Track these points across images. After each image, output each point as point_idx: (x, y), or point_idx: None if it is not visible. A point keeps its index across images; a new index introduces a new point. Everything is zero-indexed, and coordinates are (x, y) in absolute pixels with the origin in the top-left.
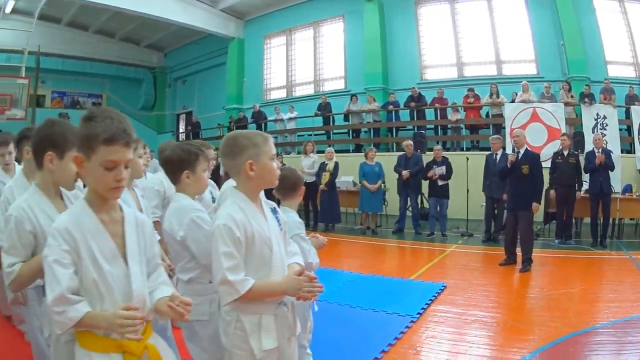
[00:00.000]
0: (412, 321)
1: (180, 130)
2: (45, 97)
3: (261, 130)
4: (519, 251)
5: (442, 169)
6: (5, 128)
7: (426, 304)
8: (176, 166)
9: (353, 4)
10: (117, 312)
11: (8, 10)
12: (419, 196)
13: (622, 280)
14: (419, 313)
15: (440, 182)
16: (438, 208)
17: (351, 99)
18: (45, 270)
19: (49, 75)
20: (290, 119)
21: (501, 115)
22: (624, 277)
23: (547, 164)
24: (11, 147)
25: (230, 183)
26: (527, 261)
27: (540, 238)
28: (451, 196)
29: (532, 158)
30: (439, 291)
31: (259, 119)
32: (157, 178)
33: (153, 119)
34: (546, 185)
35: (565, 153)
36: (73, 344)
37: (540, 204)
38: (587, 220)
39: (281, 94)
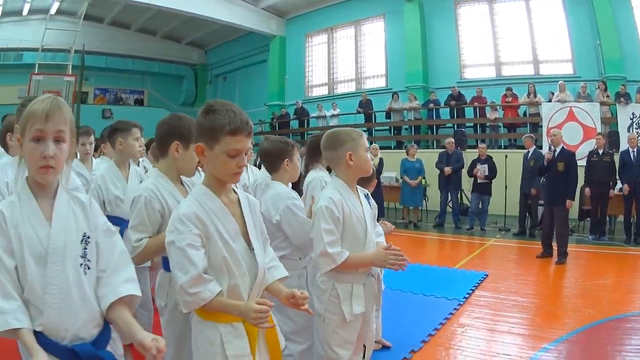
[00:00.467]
0: (459, 304)
1: None
2: (88, 93)
3: (304, 126)
4: (555, 245)
5: (484, 168)
6: None
7: (471, 289)
8: (277, 156)
9: (393, 3)
10: (251, 306)
11: (53, 11)
12: (459, 192)
13: None
14: (465, 297)
15: (481, 180)
16: (480, 204)
17: (392, 97)
18: (175, 254)
19: (92, 73)
20: (332, 115)
21: (538, 114)
22: None
23: (582, 162)
24: (92, 138)
25: (311, 176)
26: (563, 254)
27: (574, 234)
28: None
29: (567, 156)
30: (482, 279)
31: (302, 116)
32: None
33: (194, 114)
34: (581, 182)
35: (600, 152)
36: (189, 314)
37: (574, 200)
38: (621, 218)
39: (323, 91)
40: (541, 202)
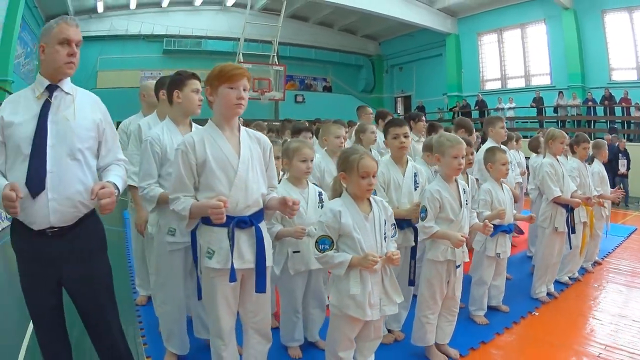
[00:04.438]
0: (623, 239)
1: (398, 111)
2: None
3: (483, 116)
4: None
5: (624, 163)
6: (265, 108)
7: (629, 233)
8: None
9: (552, 10)
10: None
11: (230, 3)
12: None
13: None
14: (628, 235)
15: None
16: (622, 185)
17: (559, 95)
18: None
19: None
20: (509, 108)
21: None
22: None
23: None
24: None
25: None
26: None
27: None
28: (630, 177)
29: None
30: (634, 230)
31: (482, 107)
32: None
33: (374, 100)
34: None
35: None
36: None
37: None
38: None
39: (496, 85)
40: None
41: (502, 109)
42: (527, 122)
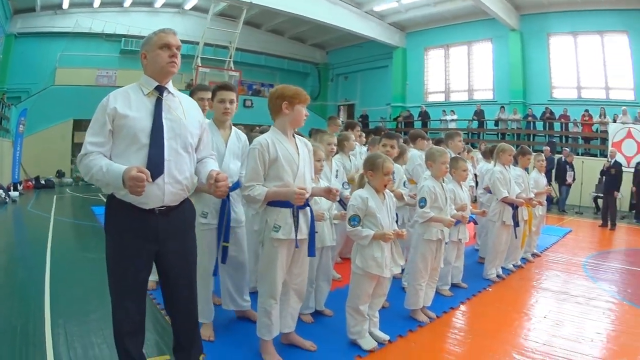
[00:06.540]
0: (559, 238)
1: (341, 119)
2: None
3: (425, 127)
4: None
5: (572, 175)
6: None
7: (565, 233)
8: None
9: (499, 30)
10: None
11: (188, 7)
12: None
13: None
14: (564, 235)
15: (569, 180)
16: (564, 193)
17: (500, 109)
18: None
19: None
20: (452, 120)
21: (606, 131)
22: None
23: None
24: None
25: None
26: (613, 224)
27: (625, 219)
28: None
29: (617, 165)
30: (569, 231)
31: (425, 118)
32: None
33: (318, 107)
34: (630, 184)
35: None
36: None
37: (619, 192)
38: None
39: (439, 98)
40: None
41: (445, 120)
42: (467, 133)
